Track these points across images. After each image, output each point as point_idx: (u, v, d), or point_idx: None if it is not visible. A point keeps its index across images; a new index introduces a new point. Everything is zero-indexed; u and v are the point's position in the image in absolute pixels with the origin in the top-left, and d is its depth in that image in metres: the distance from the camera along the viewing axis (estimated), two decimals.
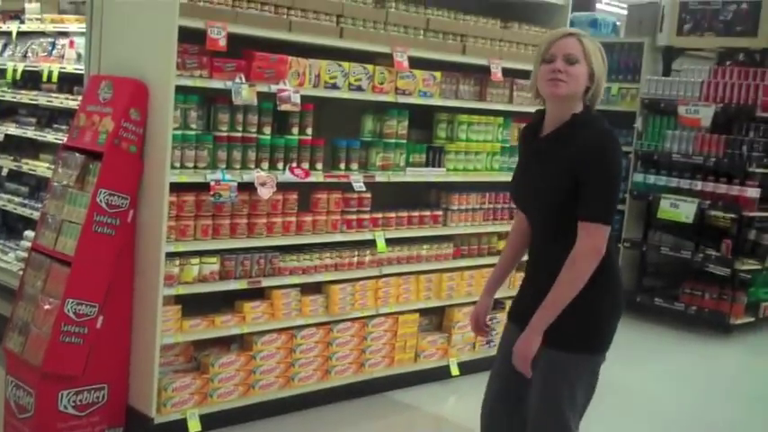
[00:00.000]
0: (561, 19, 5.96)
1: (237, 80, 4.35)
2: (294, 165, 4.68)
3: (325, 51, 4.79)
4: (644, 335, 7.45)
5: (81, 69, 5.42)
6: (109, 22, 4.54)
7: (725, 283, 7.55)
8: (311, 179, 4.74)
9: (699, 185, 7.54)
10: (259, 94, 4.42)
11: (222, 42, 4.24)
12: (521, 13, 5.85)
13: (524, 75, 5.77)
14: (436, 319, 5.72)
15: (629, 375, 6.04)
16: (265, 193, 4.47)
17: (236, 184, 4.39)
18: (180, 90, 4.18)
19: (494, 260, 5.86)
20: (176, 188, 4.27)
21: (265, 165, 4.58)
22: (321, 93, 4.74)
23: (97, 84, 4.41)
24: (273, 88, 4.50)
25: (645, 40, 8.20)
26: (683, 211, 7.57)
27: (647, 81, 7.97)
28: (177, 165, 4.25)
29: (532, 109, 5.95)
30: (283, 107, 4.52)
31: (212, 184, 4.32)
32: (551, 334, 2.81)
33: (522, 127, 3.24)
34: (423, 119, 5.46)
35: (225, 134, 4.43)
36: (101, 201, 4.14)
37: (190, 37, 4.18)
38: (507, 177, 5.66)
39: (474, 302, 3.41)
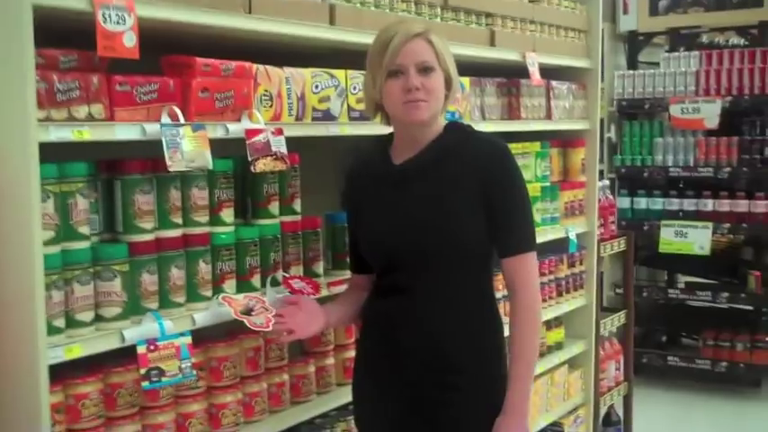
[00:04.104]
0: None
1: (166, 120, 2.03)
2: (284, 273, 2.39)
3: (286, 51, 2.59)
4: (671, 411, 5.59)
5: None
6: None
7: (756, 327, 5.86)
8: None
9: (709, 205, 5.81)
10: (212, 145, 2.11)
11: (129, 41, 1.92)
12: None
13: (558, 74, 3.77)
14: None
15: None
16: (263, 321, 2.16)
17: (188, 339, 2.06)
18: (47, 152, 1.82)
19: (554, 361, 3.83)
20: (61, 372, 1.89)
21: (231, 283, 2.27)
22: (310, 130, 2.49)
23: None
24: (234, 129, 2.21)
25: (603, 27, 6.41)
26: (693, 240, 5.81)
27: (618, 78, 6.15)
28: (59, 323, 1.87)
29: (572, 125, 4.01)
30: (259, 166, 2.23)
31: (141, 350, 1.96)
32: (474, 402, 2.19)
33: (352, 166, 2.42)
34: None
35: (150, 236, 2.08)
36: None
37: (56, 34, 1.86)
38: (556, 233, 3.71)
39: None
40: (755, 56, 5.74)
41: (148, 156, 2.07)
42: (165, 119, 2.03)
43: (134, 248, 2.03)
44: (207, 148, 2.07)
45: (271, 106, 2.34)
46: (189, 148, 2.03)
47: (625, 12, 6.30)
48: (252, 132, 2.21)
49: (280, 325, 2.19)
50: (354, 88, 2.62)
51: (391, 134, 2.33)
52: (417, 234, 2.17)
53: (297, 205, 2.48)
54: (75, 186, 1.91)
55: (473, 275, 2.24)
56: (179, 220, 2.14)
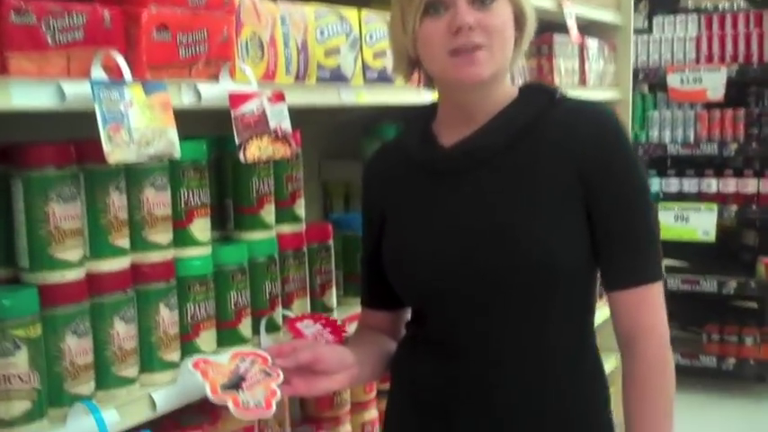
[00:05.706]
0: None
1: (100, 76, 1.20)
2: (286, 312, 1.58)
3: None
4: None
5: None
6: None
7: (765, 319, 5.27)
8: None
9: (714, 185, 5.18)
10: (177, 117, 1.29)
11: None
12: None
13: (584, 31, 3.03)
14: None
15: None
16: (261, 398, 1.33)
17: None
18: None
19: None
20: None
21: (208, 335, 1.45)
22: (318, 95, 1.68)
23: None
24: (210, 93, 1.38)
25: None
26: (696, 224, 5.16)
27: None
28: None
29: (605, 94, 3.25)
30: (252, 151, 1.41)
31: None
32: None
33: (374, 153, 1.61)
34: None
35: (77, 272, 1.24)
36: None
37: None
38: None
39: None
40: (762, 19, 5.11)
41: (70, 137, 1.24)
42: (99, 73, 1.20)
43: (50, 295, 1.20)
44: (171, 124, 1.25)
45: (262, 58, 1.52)
46: (141, 122, 1.20)
47: None
48: (239, 98, 1.39)
49: (289, 389, 1.38)
50: (371, 37, 1.82)
51: (434, 104, 1.53)
52: (479, 253, 1.37)
53: (299, 208, 1.66)
54: None
55: (571, 318, 1.45)
56: (124, 243, 1.30)
